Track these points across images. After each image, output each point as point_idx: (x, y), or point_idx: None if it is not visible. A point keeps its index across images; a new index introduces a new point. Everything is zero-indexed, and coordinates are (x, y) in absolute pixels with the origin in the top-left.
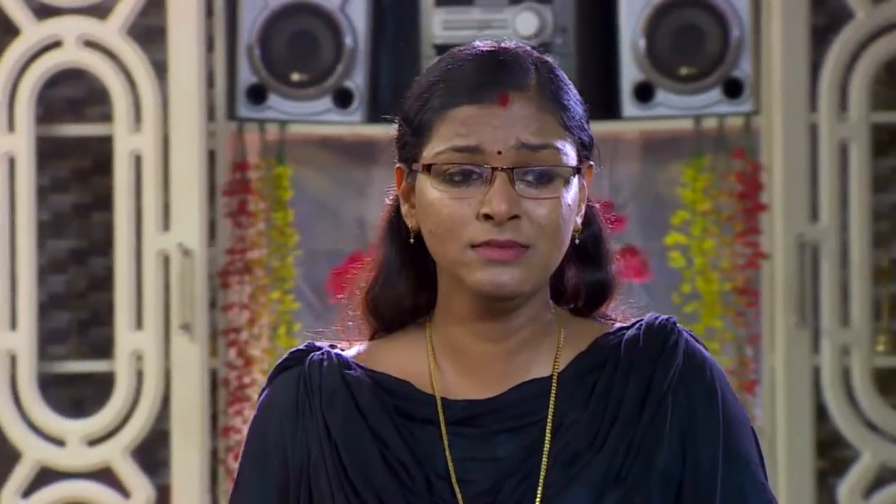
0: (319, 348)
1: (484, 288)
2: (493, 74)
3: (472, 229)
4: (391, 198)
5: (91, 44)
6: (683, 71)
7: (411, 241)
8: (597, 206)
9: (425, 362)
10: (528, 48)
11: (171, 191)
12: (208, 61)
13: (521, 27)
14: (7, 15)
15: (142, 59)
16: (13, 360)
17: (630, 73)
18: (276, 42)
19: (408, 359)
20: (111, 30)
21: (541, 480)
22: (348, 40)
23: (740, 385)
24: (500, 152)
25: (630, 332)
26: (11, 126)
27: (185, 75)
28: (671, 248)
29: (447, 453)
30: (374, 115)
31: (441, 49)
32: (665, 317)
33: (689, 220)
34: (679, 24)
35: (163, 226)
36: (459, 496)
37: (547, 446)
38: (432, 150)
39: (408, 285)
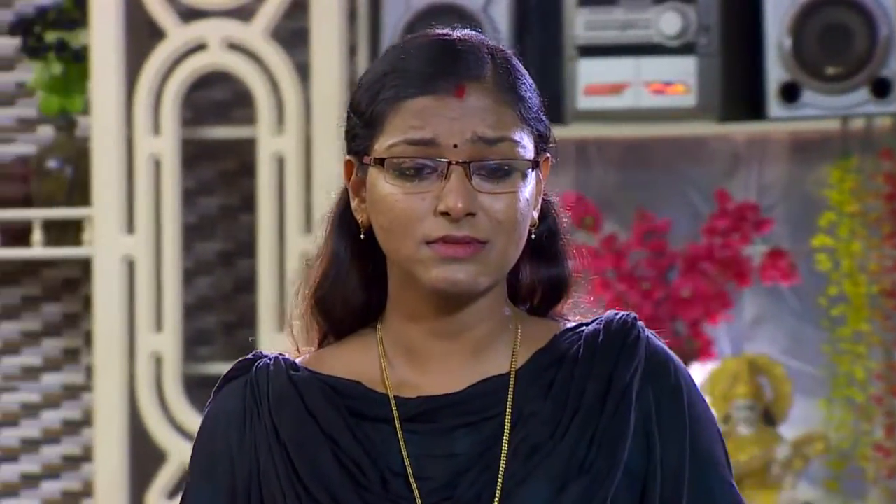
0: (266, 356)
1: (439, 285)
2: (448, 65)
3: (427, 225)
4: (338, 191)
5: (235, 46)
6: (830, 71)
7: (362, 236)
8: (554, 199)
9: (376, 362)
10: (483, 37)
11: (314, 193)
12: (351, 64)
13: (665, 27)
14: (153, 18)
15: (285, 61)
16: (159, 361)
17: (776, 73)
18: None
19: (358, 361)
20: (255, 32)
21: (500, 474)
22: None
23: (888, 389)
24: (455, 145)
25: (590, 328)
26: (157, 129)
27: (328, 78)
28: (818, 250)
29: (403, 450)
30: None
31: (584, 50)
32: (625, 313)
33: (836, 222)
34: (826, 24)
35: (305, 228)
36: (416, 493)
37: (506, 439)
38: (385, 143)
39: (358, 282)
